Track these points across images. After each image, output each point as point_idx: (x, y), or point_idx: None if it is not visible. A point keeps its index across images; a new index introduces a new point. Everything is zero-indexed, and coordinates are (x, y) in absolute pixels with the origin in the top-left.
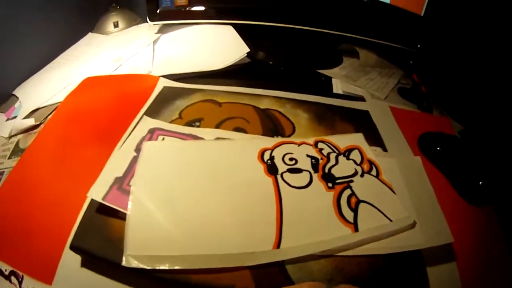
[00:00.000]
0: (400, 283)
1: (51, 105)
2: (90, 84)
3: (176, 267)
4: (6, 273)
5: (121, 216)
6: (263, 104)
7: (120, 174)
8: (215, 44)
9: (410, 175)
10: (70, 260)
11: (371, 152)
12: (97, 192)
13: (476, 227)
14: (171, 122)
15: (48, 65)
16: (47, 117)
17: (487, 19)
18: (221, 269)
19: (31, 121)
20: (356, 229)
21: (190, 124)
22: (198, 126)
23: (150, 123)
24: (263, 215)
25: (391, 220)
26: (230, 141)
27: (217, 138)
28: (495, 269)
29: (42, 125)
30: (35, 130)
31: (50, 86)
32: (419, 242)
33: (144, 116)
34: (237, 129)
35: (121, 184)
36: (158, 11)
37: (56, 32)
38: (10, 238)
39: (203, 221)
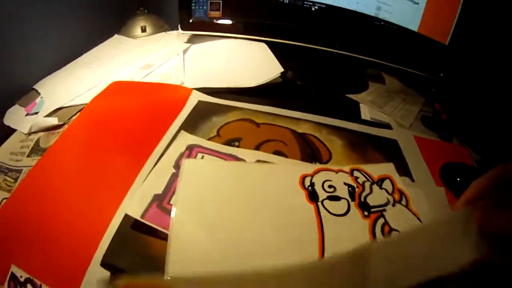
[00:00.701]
0: None
1: (75, 105)
2: (118, 88)
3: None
4: (22, 279)
5: (160, 235)
6: (301, 128)
7: (159, 191)
8: (248, 61)
9: (435, 204)
10: (97, 274)
11: (401, 182)
12: (135, 209)
13: None
14: (209, 139)
15: (72, 63)
16: (71, 117)
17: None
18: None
19: (54, 120)
20: None
21: (229, 143)
22: (237, 146)
23: (188, 139)
24: (306, 239)
25: None
26: (272, 165)
27: (258, 161)
28: None
29: (65, 126)
30: (58, 130)
31: (74, 86)
32: None
33: (182, 131)
34: (277, 153)
35: (161, 201)
36: (190, 21)
37: (81, 30)
38: (26, 242)
39: (247, 245)
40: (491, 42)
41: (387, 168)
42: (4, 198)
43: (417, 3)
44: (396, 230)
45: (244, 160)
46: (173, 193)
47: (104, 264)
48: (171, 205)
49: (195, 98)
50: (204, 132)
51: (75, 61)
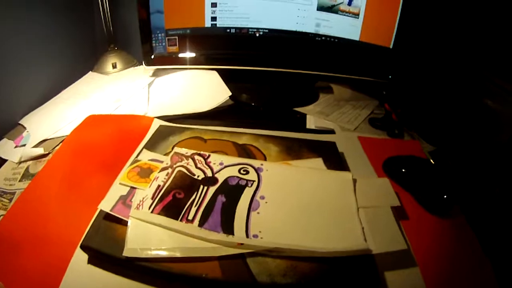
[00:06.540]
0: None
1: (58, 137)
2: (93, 121)
3: (164, 255)
4: None
5: (124, 223)
6: (242, 140)
7: (124, 193)
8: (201, 88)
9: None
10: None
11: None
12: (106, 205)
13: (447, 236)
14: (165, 154)
15: (52, 99)
16: (54, 147)
17: (450, 48)
18: (198, 260)
19: (40, 150)
20: None
21: None
22: None
23: (148, 155)
24: None
25: None
26: None
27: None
28: (469, 269)
29: (50, 154)
30: (44, 159)
31: (56, 120)
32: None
33: (144, 149)
34: None
35: (125, 200)
36: (152, 57)
37: (59, 69)
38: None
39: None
40: (433, 40)
41: (315, 163)
42: (1, 215)
43: (356, 16)
44: None
45: None
46: (134, 195)
47: (82, 246)
48: (132, 202)
49: (157, 124)
50: (162, 149)
51: (54, 98)
